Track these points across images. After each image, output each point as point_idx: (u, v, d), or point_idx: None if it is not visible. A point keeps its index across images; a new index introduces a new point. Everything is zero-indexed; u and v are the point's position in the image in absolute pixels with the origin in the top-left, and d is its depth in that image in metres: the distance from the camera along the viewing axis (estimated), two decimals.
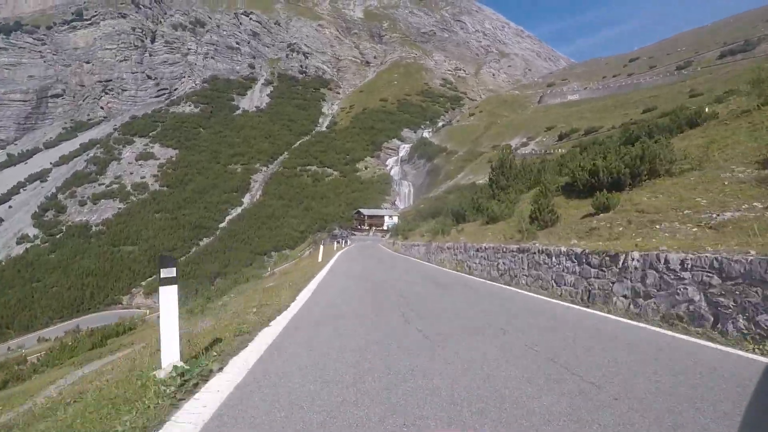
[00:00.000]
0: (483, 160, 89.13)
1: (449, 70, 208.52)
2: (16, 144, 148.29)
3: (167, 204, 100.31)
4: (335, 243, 40.21)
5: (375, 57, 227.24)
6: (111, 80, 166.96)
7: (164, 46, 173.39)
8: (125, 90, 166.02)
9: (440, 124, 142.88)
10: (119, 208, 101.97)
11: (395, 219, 73.80)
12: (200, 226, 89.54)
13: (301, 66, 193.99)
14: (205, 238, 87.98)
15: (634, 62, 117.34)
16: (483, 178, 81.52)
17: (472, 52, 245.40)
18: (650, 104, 74.50)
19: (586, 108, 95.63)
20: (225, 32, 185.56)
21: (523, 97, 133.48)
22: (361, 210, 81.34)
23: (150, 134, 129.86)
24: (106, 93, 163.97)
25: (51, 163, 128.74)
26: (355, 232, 73.60)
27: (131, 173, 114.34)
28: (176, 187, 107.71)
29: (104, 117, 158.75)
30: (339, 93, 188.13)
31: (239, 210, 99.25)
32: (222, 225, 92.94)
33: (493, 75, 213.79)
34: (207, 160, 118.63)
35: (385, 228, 72.37)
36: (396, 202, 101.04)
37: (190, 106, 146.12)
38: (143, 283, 74.00)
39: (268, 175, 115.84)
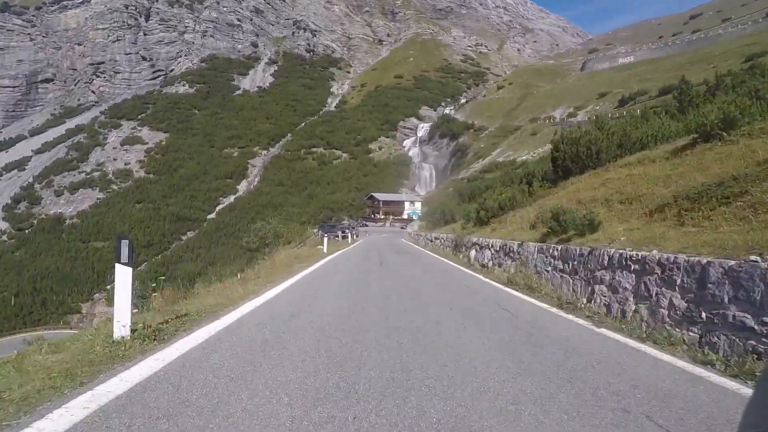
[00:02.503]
0: (524, 133, 73.16)
1: (470, 46, 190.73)
2: (1, 132, 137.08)
3: (151, 193, 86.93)
4: (333, 237, 25.37)
5: (388, 35, 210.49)
6: (103, 62, 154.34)
7: (160, 24, 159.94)
8: (118, 72, 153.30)
9: (463, 100, 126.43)
10: (98, 199, 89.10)
11: (417, 206, 58.62)
12: (184, 218, 75.75)
13: (309, 44, 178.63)
14: (189, 232, 74.16)
15: (696, 18, 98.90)
16: (527, 154, 65.55)
17: (494, 27, 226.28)
18: (747, 52, 57.54)
19: (649, 69, 78.54)
20: (225, 8, 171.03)
21: (560, 66, 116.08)
22: (375, 195, 65.85)
23: (139, 117, 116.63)
24: (98, 76, 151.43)
25: (32, 151, 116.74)
26: (368, 222, 58.63)
27: (114, 159, 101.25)
28: (163, 174, 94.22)
29: (95, 102, 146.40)
30: (350, 72, 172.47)
31: (232, 199, 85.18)
32: (211, 216, 78.99)
33: (518, 50, 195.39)
34: (200, 144, 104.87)
35: (405, 217, 57.10)
36: (416, 188, 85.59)
37: (184, 86, 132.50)
38: (108, 287, 60.35)
39: (268, 159, 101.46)
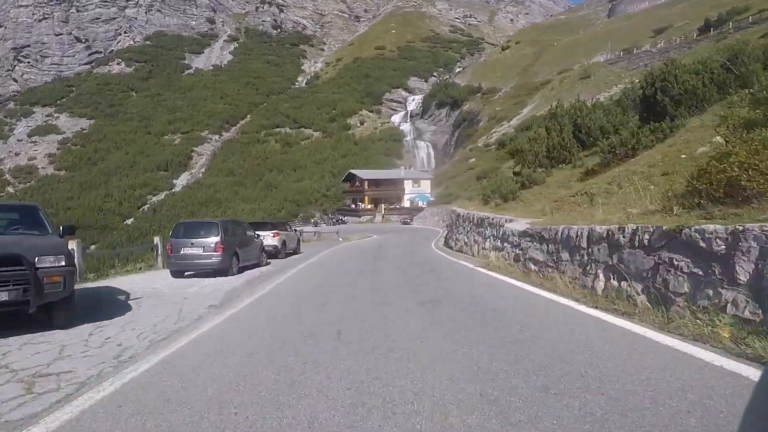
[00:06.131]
0: (567, 81, 52.59)
1: (457, 18, 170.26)
2: None
3: (56, 194, 64.16)
4: None
5: (366, 11, 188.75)
6: (28, 45, 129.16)
7: None
8: (46, 57, 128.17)
9: (457, 70, 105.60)
10: None
11: (425, 186, 37.75)
12: (86, 226, 53.17)
13: (275, 21, 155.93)
14: (93, 245, 51.47)
15: None
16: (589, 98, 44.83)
17: (481, 0, 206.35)
18: None
19: None
20: None
21: (576, 18, 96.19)
22: (356, 173, 43.19)
23: (57, 102, 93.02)
24: (20, 61, 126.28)
25: None
26: (345, 217, 37.10)
27: (17, 155, 77.89)
28: (78, 169, 71.46)
29: (17, 92, 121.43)
30: (323, 50, 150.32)
31: (163, 196, 62.86)
32: (129, 221, 56.56)
33: (512, 20, 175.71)
34: (132, 131, 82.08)
35: (407, 205, 35.79)
36: (411, 170, 64.34)
37: (120, 64, 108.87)
38: None
39: (220, 145, 79.23)
